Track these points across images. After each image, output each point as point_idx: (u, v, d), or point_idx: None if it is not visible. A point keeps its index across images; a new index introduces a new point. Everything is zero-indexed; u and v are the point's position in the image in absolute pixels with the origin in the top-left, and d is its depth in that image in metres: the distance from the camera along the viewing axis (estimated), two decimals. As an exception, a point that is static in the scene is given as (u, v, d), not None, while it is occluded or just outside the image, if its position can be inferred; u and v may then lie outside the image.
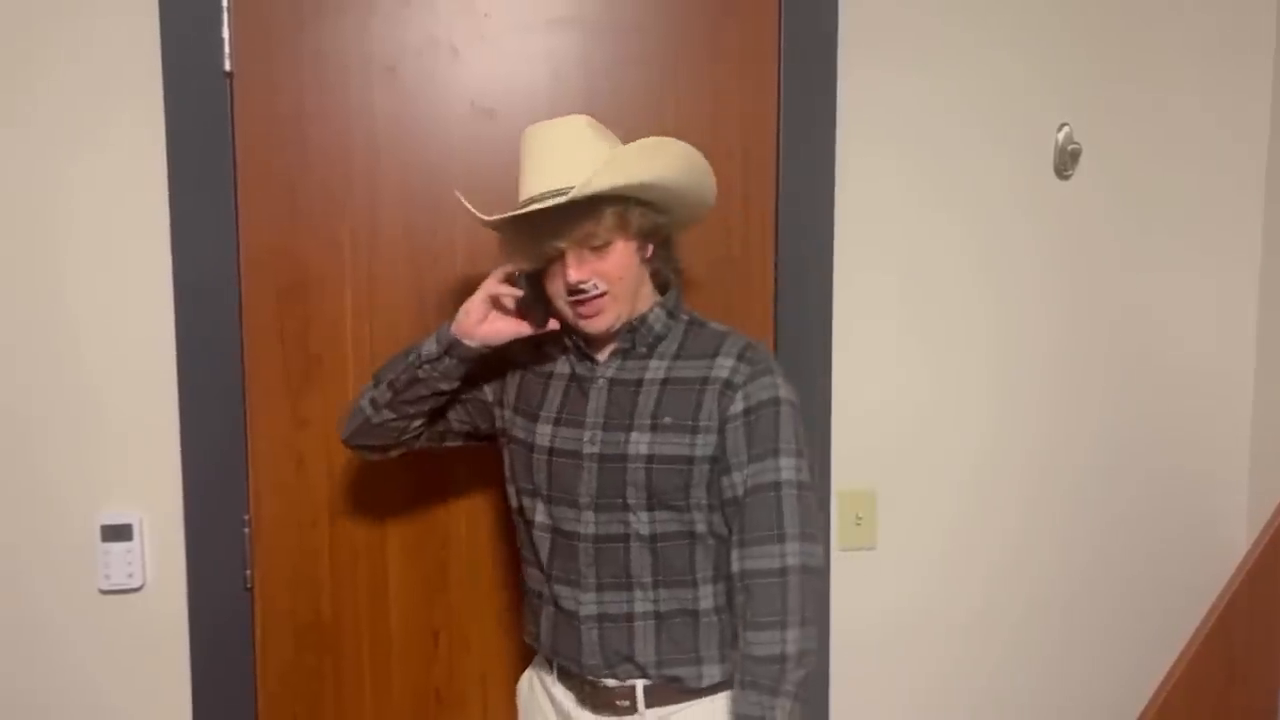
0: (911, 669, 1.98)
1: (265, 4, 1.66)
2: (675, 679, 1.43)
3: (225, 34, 1.65)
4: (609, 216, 1.35)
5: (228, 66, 1.66)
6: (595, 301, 1.39)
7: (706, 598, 1.43)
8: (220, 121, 1.66)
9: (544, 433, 1.46)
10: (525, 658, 1.85)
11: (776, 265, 1.84)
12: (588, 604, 1.43)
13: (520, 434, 1.49)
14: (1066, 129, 1.95)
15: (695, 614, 1.43)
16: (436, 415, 1.56)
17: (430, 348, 1.46)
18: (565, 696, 1.50)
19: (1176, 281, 2.05)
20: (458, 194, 1.47)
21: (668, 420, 1.40)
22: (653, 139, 1.38)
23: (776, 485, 1.38)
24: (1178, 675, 1.53)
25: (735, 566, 1.39)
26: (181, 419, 1.68)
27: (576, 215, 1.34)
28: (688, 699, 1.44)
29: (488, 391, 1.56)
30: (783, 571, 1.36)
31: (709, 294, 1.77)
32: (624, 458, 1.40)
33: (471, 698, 1.85)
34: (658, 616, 1.43)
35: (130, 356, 1.67)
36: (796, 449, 1.40)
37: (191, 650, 1.73)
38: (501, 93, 1.74)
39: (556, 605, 1.47)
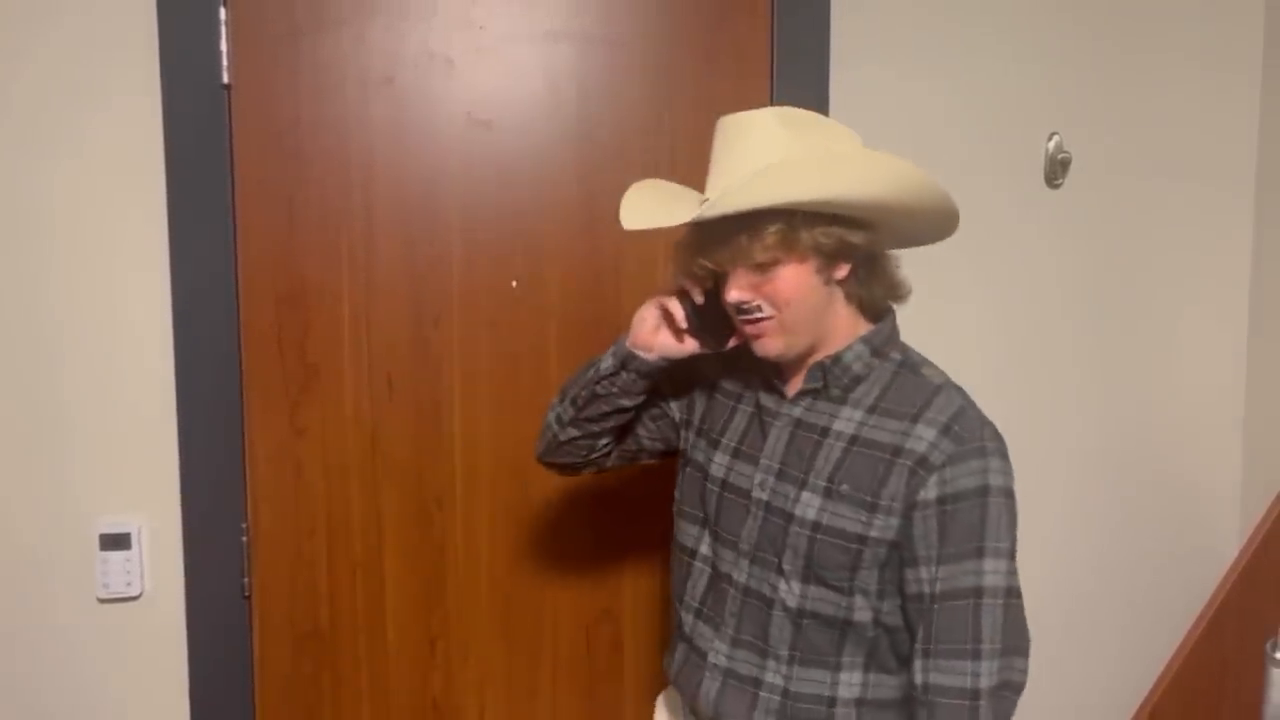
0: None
1: (263, 17, 1.68)
2: None
3: (223, 46, 1.66)
4: (771, 234, 1.16)
5: (225, 79, 1.67)
6: (762, 324, 1.22)
7: (851, 686, 1.24)
8: (218, 133, 1.67)
9: (720, 462, 1.32)
10: (522, 667, 1.86)
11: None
12: (719, 653, 1.30)
13: (699, 457, 1.36)
14: (1057, 138, 1.97)
15: (832, 701, 1.24)
16: (624, 432, 1.44)
17: (607, 362, 1.34)
18: None
19: (1166, 288, 2.07)
20: (628, 207, 1.25)
21: (845, 489, 1.21)
22: (850, 146, 1.23)
23: (977, 591, 1.17)
24: (1171, 676, 1.54)
25: (919, 678, 1.19)
26: (180, 428, 1.69)
27: (734, 229, 1.17)
28: None
29: (674, 409, 1.43)
30: (975, 693, 1.16)
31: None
32: (789, 517, 1.23)
33: (468, 707, 1.85)
34: (785, 694, 1.25)
35: (129, 366, 1.68)
36: (1008, 549, 1.19)
37: (190, 658, 1.73)
38: (498, 104, 1.76)
39: (691, 643, 1.34)
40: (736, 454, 1.32)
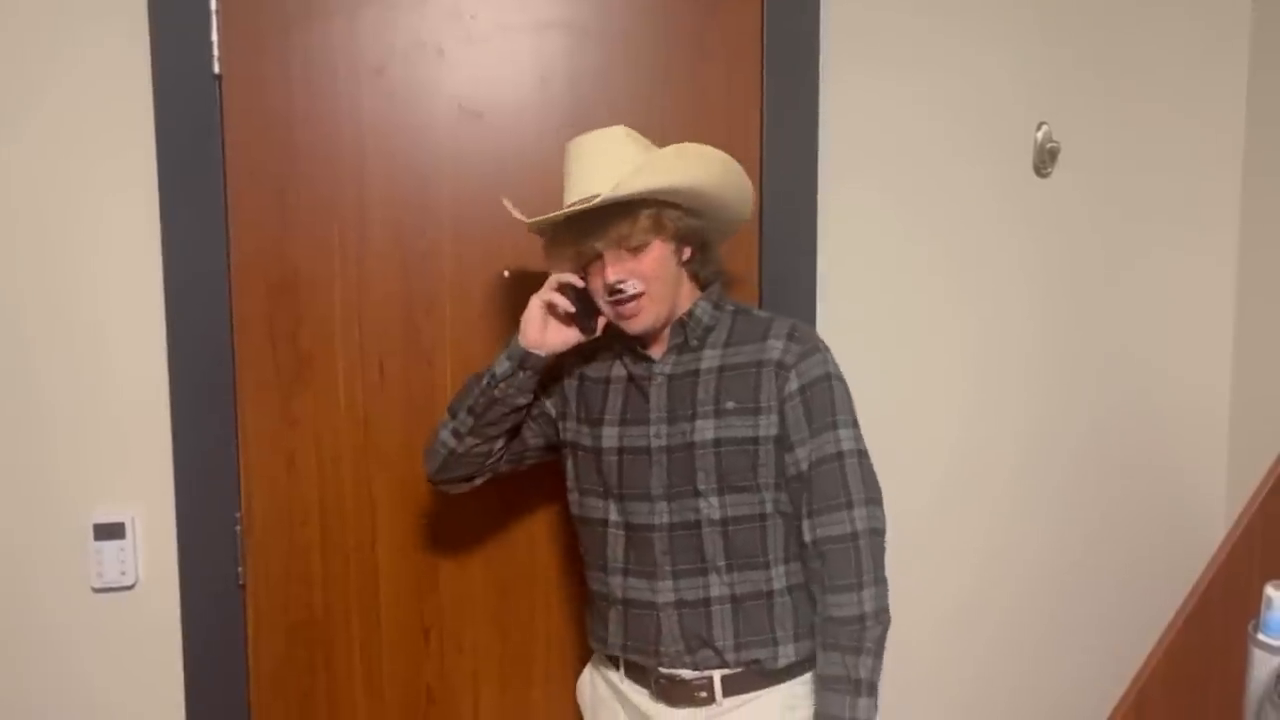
0: (893, 664, 2.00)
1: (253, 7, 1.68)
2: (754, 661, 1.47)
3: (214, 37, 1.66)
4: (644, 218, 1.41)
5: (216, 69, 1.67)
6: (633, 302, 1.44)
7: (779, 578, 1.48)
8: (209, 123, 1.68)
9: (610, 435, 1.52)
10: (515, 655, 1.87)
11: (760, 264, 1.86)
12: (665, 592, 1.48)
13: (586, 441, 1.54)
14: (1045, 128, 1.98)
15: (770, 595, 1.48)
16: (513, 434, 1.61)
17: (504, 366, 1.51)
18: (636, 692, 1.54)
19: (1154, 278, 2.08)
20: (505, 202, 1.52)
21: (730, 405, 1.46)
22: (690, 144, 1.45)
23: (839, 455, 1.45)
24: (1159, 656, 1.55)
25: (808, 536, 1.45)
26: (173, 418, 1.70)
27: (613, 217, 1.40)
28: (765, 684, 1.49)
29: (549, 406, 1.62)
30: (854, 536, 1.43)
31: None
32: (691, 445, 1.45)
33: (462, 695, 1.86)
34: (734, 600, 1.47)
35: (122, 356, 1.68)
36: (852, 420, 1.48)
37: (184, 648, 1.73)
38: (489, 95, 1.76)
39: (627, 601, 1.51)
40: (623, 422, 1.51)
